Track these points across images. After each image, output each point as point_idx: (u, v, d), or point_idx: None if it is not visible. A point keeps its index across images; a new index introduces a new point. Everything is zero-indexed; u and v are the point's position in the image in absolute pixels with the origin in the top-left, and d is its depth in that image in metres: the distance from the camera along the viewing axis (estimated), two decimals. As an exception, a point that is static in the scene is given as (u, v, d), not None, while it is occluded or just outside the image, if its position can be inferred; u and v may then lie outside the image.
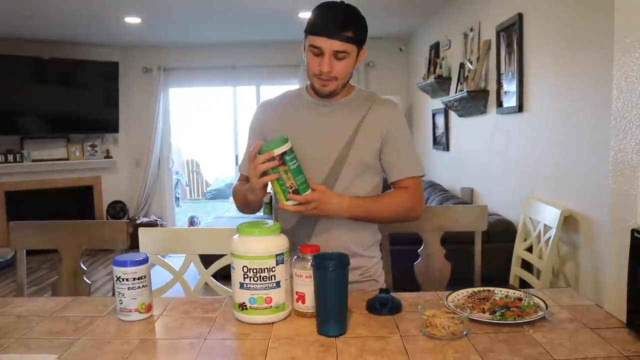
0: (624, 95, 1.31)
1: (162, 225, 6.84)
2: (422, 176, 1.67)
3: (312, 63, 1.54)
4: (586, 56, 2.60)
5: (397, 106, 1.69)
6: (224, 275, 1.76)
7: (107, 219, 6.73)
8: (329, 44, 1.49)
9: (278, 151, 1.38)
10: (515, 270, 3.10)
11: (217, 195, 11.21)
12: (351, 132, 1.60)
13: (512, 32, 3.41)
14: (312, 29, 1.51)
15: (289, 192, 1.42)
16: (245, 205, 1.66)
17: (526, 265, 3.07)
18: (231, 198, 10.13)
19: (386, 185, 1.69)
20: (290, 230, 1.60)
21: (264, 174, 1.41)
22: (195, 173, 11.85)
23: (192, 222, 7.53)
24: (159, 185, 7.10)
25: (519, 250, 3.11)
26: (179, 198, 9.57)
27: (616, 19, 1.33)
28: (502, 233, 3.38)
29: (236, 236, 1.32)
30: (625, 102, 1.31)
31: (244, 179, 1.70)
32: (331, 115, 1.63)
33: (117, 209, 6.85)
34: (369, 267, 1.69)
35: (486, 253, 1.99)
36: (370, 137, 1.61)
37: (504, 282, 3.07)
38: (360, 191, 1.62)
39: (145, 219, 6.80)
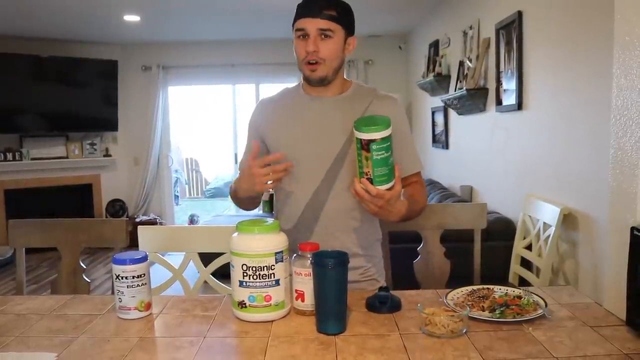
0: (623, 93, 1.31)
1: (161, 224, 6.83)
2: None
3: (299, 48, 1.55)
4: (586, 54, 2.60)
5: (398, 101, 1.70)
6: (223, 274, 1.76)
7: (106, 217, 6.73)
8: (312, 23, 1.51)
9: (365, 137, 1.30)
10: (515, 268, 3.10)
11: (217, 193, 11.20)
12: (351, 129, 1.60)
13: (512, 30, 3.41)
14: (296, 15, 1.54)
15: (364, 177, 1.35)
16: (244, 202, 1.67)
17: (525, 264, 3.07)
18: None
19: None
20: (290, 229, 1.60)
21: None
22: (194, 171, 11.85)
23: (192, 220, 7.53)
24: (158, 183, 7.10)
25: (518, 248, 3.11)
26: (178, 196, 9.57)
27: (616, 17, 1.33)
28: (501, 231, 3.38)
29: (235, 234, 1.32)
30: (625, 99, 1.31)
31: None
32: (329, 112, 1.62)
33: (117, 207, 6.85)
34: (369, 267, 1.69)
35: (485, 251, 1.99)
36: None
37: (503, 280, 3.07)
38: None
39: (144, 217, 6.80)
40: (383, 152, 1.31)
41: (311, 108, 1.64)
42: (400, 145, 1.63)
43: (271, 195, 2.00)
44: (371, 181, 1.34)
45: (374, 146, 1.30)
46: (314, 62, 1.54)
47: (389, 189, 1.37)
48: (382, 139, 1.30)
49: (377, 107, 1.63)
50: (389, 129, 1.31)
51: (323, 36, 1.52)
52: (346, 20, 1.55)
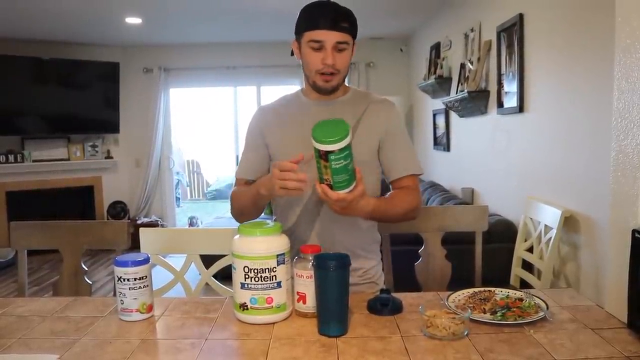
0: (624, 96, 1.31)
1: (162, 226, 6.83)
2: (420, 175, 1.69)
3: (314, 59, 1.53)
4: (587, 57, 2.60)
5: (394, 105, 1.71)
6: (224, 276, 1.76)
7: (107, 219, 6.74)
8: (331, 36, 1.50)
9: (323, 148, 1.29)
10: (516, 271, 3.10)
11: (218, 195, 11.22)
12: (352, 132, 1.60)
13: (513, 32, 3.41)
14: (311, 24, 1.51)
15: (324, 183, 1.35)
16: (246, 212, 1.64)
17: (527, 266, 3.07)
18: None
19: (384, 186, 1.68)
20: (290, 230, 1.60)
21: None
22: (195, 173, 11.85)
23: (191, 222, 7.53)
24: (160, 185, 7.10)
25: (519, 250, 3.11)
26: (179, 198, 9.57)
27: (617, 20, 1.33)
28: (502, 233, 3.38)
29: (237, 236, 1.32)
30: (626, 102, 1.31)
31: (244, 183, 1.69)
32: (330, 115, 1.61)
33: (118, 209, 6.85)
34: (368, 269, 1.69)
35: (487, 253, 1.99)
36: (368, 137, 1.62)
37: (504, 283, 3.07)
38: None
39: (145, 219, 6.80)
40: (342, 160, 1.29)
41: (311, 112, 1.63)
42: (393, 147, 1.65)
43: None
44: (331, 187, 1.34)
45: (332, 156, 1.28)
46: (330, 73, 1.53)
47: (351, 192, 1.36)
48: (340, 149, 1.28)
49: (374, 111, 1.64)
50: (347, 138, 1.29)
51: (338, 49, 1.52)
52: (355, 29, 1.56)
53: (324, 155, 1.28)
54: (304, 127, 1.62)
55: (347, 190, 1.34)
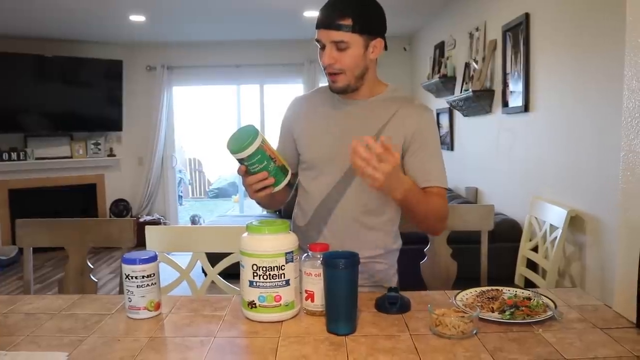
0: (634, 95, 1.31)
1: (165, 224, 6.84)
2: (444, 188, 1.59)
3: (320, 58, 1.53)
4: (593, 56, 2.60)
5: (428, 112, 1.62)
6: (228, 274, 1.77)
7: (110, 217, 6.74)
8: (326, 35, 1.47)
9: (235, 157, 1.38)
10: (521, 270, 3.10)
11: (220, 193, 11.24)
12: (373, 135, 1.53)
13: (519, 32, 3.40)
14: (316, 23, 1.50)
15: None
16: (263, 202, 1.66)
17: (531, 265, 3.06)
18: (234, 197, 10.13)
19: None
20: (304, 226, 1.62)
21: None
22: (197, 172, 11.86)
23: (193, 221, 7.53)
24: (162, 183, 7.11)
25: (524, 250, 3.10)
26: (182, 196, 9.58)
27: (628, 19, 1.33)
28: (507, 233, 3.38)
29: (245, 234, 1.32)
30: (636, 102, 1.30)
31: None
32: (355, 115, 1.59)
33: (121, 207, 6.86)
34: (373, 273, 1.66)
35: (491, 252, 1.99)
36: (393, 141, 1.53)
37: (509, 282, 3.06)
38: (374, 201, 1.59)
39: (148, 217, 6.80)
40: (257, 164, 1.39)
41: (338, 109, 1.61)
42: (423, 154, 1.57)
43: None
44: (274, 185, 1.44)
45: (245, 162, 1.39)
46: (334, 72, 1.51)
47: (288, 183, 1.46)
48: (248, 156, 1.37)
49: (403, 115, 1.57)
50: (251, 146, 1.36)
51: (338, 48, 1.47)
52: (365, 26, 1.47)
53: (241, 162, 1.40)
54: (326, 123, 1.61)
55: (283, 183, 1.44)
